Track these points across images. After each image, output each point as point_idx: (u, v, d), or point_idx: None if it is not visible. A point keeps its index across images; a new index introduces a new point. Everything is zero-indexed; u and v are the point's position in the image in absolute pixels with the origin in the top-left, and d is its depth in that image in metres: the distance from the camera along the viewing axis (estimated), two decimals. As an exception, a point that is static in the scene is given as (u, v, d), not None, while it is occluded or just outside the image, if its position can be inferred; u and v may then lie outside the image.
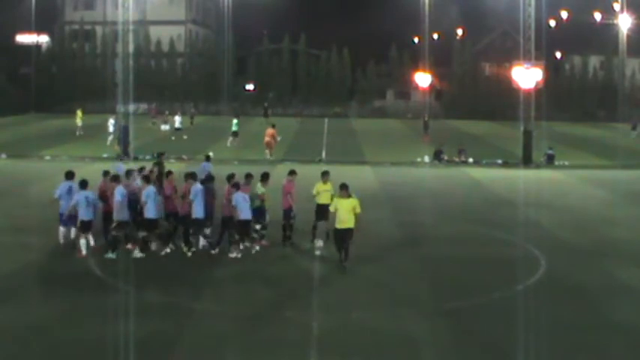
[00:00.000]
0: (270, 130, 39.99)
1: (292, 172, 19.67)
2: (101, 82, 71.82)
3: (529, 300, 14.83)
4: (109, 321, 13.09)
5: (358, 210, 16.87)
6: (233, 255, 17.68)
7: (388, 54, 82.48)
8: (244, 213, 17.66)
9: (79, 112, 52.00)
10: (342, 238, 16.82)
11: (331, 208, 17.09)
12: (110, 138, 42.99)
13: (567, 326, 13.49)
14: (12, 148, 41.08)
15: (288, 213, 18.98)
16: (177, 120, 50.61)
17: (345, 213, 16.73)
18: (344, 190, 17.11)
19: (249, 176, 18.67)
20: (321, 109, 77.73)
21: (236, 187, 18.00)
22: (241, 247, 17.96)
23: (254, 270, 17.05)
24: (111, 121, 44.09)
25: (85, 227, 17.77)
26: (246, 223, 17.80)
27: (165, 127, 50.11)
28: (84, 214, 17.71)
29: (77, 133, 49.76)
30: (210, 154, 27.54)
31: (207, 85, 76.43)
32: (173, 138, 46.98)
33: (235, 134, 44.33)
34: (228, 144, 43.49)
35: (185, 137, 47.67)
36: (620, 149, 42.80)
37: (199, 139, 47.72)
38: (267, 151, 38.83)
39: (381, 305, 14.63)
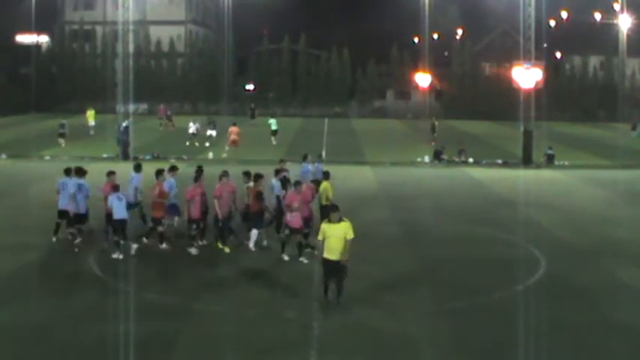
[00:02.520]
0: (235, 129, 40.87)
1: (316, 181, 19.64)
2: (101, 82, 71.75)
3: (529, 300, 14.83)
4: (108, 321, 13.09)
5: (350, 235, 14.09)
6: (114, 255, 17.59)
7: (388, 54, 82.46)
8: (119, 213, 17.74)
9: (91, 112, 52.03)
10: (332, 272, 14.15)
11: (319, 237, 14.36)
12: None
13: (567, 326, 13.49)
14: (12, 148, 41.08)
15: (307, 222, 18.40)
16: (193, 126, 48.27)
17: (337, 241, 14.01)
18: (335, 212, 14.36)
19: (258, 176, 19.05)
20: (321, 109, 77.68)
21: (115, 188, 18.20)
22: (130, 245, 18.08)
23: (254, 270, 17.05)
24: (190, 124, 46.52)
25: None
26: (121, 222, 17.80)
27: (211, 132, 46.08)
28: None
29: (91, 132, 49.94)
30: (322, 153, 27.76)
31: (207, 85, 76.36)
32: (207, 144, 43.69)
33: (275, 133, 46.67)
34: (274, 142, 45.25)
35: (197, 144, 44.41)
36: (620, 149, 42.81)
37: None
38: (227, 148, 39.73)
39: (381, 305, 14.63)
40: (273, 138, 46.41)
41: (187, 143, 44.06)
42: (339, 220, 14.17)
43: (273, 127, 47.30)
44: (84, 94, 73.26)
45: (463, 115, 72.87)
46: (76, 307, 14.18)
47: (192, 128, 47.50)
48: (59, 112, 68.02)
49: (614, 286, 16.33)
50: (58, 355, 12.05)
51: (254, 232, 18.59)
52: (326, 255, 14.11)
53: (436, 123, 50.75)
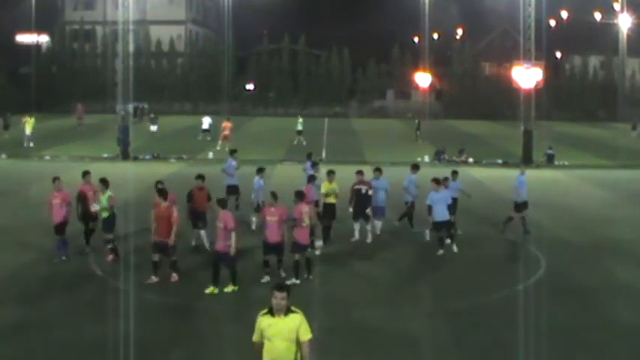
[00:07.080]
0: (227, 124, 42.30)
1: (312, 178, 19.52)
2: (101, 82, 71.86)
3: (529, 300, 14.81)
4: (108, 321, 13.08)
5: (307, 335, 8.76)
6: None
7: (388, 54, 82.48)
8: None
9: (29, 119, 43.92)
10: None
11: (255, 337, 8.73)
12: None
13: (567, 326, 13.48)
14: (12, 148, 41.07)
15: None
16: (207, 121, 48.56)
17: (283, 345, 8.58)
18: (283, 299, 8.69)
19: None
20: (321, 109, 77.72)
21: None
22: None
23: (254, 270, 17.02)
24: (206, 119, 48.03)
25: None
26: None
27: (153, 128, 47.08)
28: None
29: (26, 144, 42.66)
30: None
31: (208, 84, 76.44)
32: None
33: (299, 133, 47.47)
34: (295, 142, 46.22)
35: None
36: (620, 149, 42.82)
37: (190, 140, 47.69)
38: (220, 143, 41.08)
39: (381, 305, 14.63)
40: (300, 138, 46.91)
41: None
42: (287, 312, 8.78)
43: (299, 128, 48.00)
44: (84, 94, 73.27)
45: (463, 115, 72.89)
46: (76, 307, 14.17)
47: (152, 127, 47.10)
48: (59, 112, 68.14)
49: (614, 286, 16.32)
50: (58, 354, 12.04)
51: (202, 233, 18.59)
52: None
53: (418, 122, 52.49)
